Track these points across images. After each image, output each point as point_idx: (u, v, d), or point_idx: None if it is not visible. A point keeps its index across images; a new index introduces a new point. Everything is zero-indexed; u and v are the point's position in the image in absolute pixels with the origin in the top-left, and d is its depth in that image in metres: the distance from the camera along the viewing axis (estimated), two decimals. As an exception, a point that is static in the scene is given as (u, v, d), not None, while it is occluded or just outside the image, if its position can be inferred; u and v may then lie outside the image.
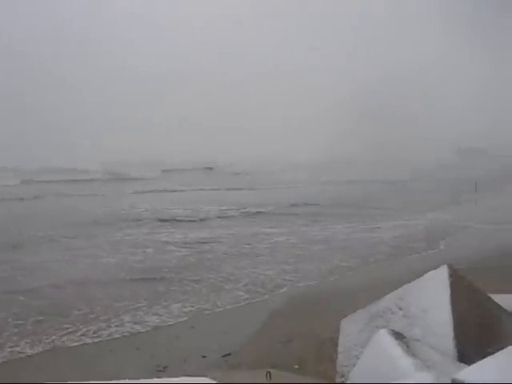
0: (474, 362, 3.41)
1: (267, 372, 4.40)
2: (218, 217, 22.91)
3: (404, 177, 45.65)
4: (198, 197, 33.61)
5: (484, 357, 3.37)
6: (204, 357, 7.02)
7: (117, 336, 8.19)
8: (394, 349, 4.02)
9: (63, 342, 7.96)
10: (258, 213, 24.05)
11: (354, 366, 4.36)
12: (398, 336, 4.21)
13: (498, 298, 5.19)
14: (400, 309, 4.67)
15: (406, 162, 62.87)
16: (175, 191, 38.72)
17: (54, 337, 8.11)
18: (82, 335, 8.19)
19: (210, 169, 66.98)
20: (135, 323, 8.72)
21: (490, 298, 4.85)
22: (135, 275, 11.99)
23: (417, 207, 25.11)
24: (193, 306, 9.66)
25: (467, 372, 3.05)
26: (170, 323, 8.83)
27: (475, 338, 4.31)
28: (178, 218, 22.23)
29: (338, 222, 20.42)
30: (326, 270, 12.37)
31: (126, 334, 8.30)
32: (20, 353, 7.53)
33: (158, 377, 5.83)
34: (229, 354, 6.99)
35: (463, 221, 19.89)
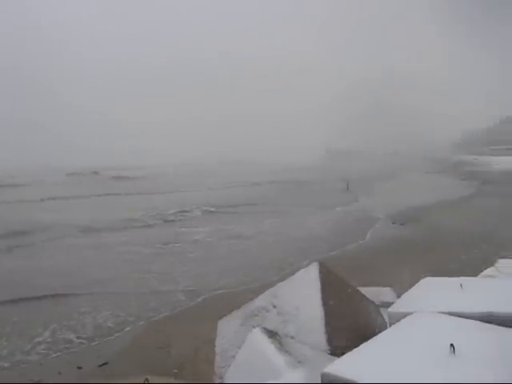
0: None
1: (145, 379, 4.29)
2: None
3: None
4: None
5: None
6: (80, 368, 6.68)
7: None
8: (268, 347, 4.08)
9: None
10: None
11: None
12: (272, 334, 4.28)
13: (366, 291, 5.51)
14: (274, 307, 4.77)
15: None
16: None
17: None
18: None
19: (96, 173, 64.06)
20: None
21: (358, 291, 5.12)
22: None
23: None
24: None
25: (336, 364, 3.16)
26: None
27: (346, 330, 4.52)
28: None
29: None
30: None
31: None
32: None
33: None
34: (106, 364, 6.71)
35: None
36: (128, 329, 8.37)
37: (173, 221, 22.63)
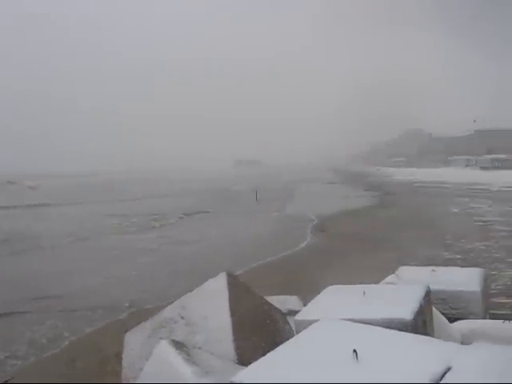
0: (253, 363, 3.60)
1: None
2: None
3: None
4: None
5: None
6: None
7: None
8: (175, 358, 4.05)
9: None
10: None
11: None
12: (179, 345, 4.25)
13: (273, 300, 5.59)
14: (182, 318, 4.74)
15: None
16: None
17: None
18: None
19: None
20: None
21: (266, 300, 5.18)
22: None
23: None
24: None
25: (244, 373, 3.19)
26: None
27: (254, 340, 4.56)
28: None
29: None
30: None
31: None
32: None
33: None
34: (10, 379, 6.39)
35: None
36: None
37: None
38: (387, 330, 3.57)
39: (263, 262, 13.93)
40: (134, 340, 4.83)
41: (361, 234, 18.71)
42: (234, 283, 4.86)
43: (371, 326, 3.65)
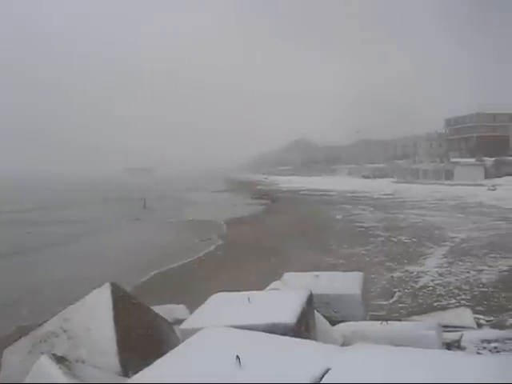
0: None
1: None
2: None
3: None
4: None
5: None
6: None
7: None
8: (55, 373, 3.91)
9: None
10: None
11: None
12: (60, 359, 4.11)
13: (160, 309, 5.53)
14: (64, 331, 4.56)
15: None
16: None
17: None
18: None
19: None
20: None
21: (151, 310, 5.12)
22: None
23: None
24: None
25: None
26: None
27: (139, 350, 4.48)
28: None
29: None
30: None
31: None
32: None
33: None
34: None
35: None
36: None
37: None
38: (270, 335, 3.65)
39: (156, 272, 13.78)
40: (12, 357, 4.60)
41: (248, 241, 18.98)
42: (118, 294, 4.76)
43: (255, 332, 3.71)
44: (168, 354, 3.54)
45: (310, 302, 4.82)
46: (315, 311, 5.36)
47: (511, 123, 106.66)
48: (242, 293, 4.99)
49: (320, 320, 5.37)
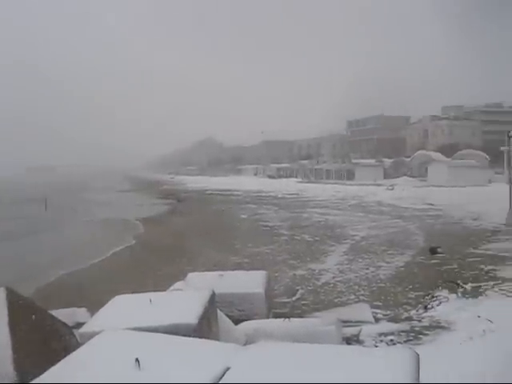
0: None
1: None
2: None
3: None
4: None
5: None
6: None
7: None
8: None
9: None
10: None
11: None
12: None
13: (60, 313, 5.35)
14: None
15: None
16: None
17: None
18: None
19: None
20: None
21: (50, 314, 4.95)
22: None
23: None
24: None
25: None
26: None
27: (36, 356, 4.32)
28: None
29: None
30: None
31: None
32: None
33: None
34: None
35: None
36: None
37: None
38: (170, 336, 3.64)
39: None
40: None
41: (152, 241, 18.78)
42: (14, 298, 4.57)
43: (155, 334, 3.69)
44: (66, 359, 3.45)
45: (213, 302, 4.85)
46: (218, 311, 5.39)
47: (408, 126, 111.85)
48: (143, 294, 4.94)
49: (223, 319, 5.40)
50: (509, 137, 18.01)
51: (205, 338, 4.10)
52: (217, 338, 4.71)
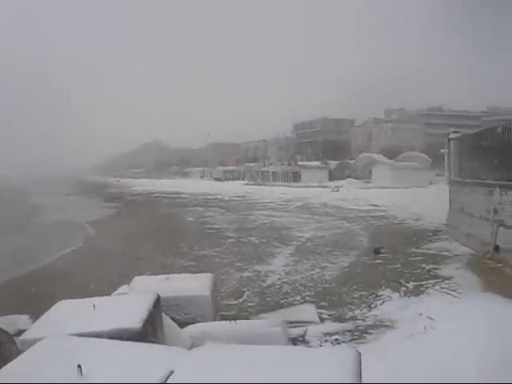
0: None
1: None
2: None
3: None
4: None
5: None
6: None
7: None
8: None
9: None
10: None
11: None
12: None
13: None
14: None
15: None
16: None
17: None
18: None
19: None
20: None
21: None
22: None
23: None
24: None
25: None
26: None
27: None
28: None
29: None
30: None
31: None
32: None
33: None
34: None
35: None
36: None
37: None
38: (114, 342, 3.59)
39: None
40: None
41: (97, 245, 18.47)
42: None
43: (98, 339, 3.64)
44: (5, 367, 3.36)
45: (158, 306, 4.81)
46: (164, 314, 5.36)
47: (353, 128, 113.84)
48: (87, 299, 4.86)
49: (168, 323, 5.38)
50: (448, 139, 18.49)
51: (150, 342, 4.08)
52: (162, 342, 4.68)
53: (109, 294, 6.37)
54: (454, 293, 9.54)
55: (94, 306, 4.53)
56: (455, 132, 18.74)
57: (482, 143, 15.01)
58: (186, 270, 12.11)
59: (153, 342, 4.22)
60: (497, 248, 12.27)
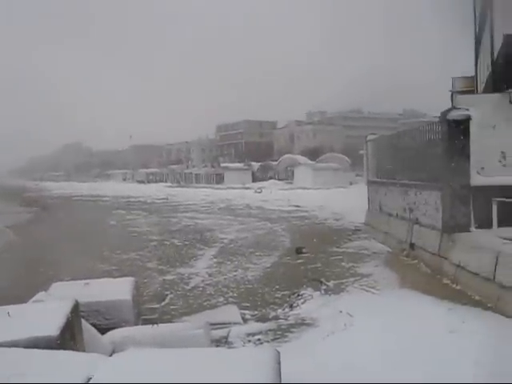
0: None
1: None
2: None
3: None
4: None
5: None
6: None
7: None
8: None
9: None
10: None
11: None
12: None
13: None
14: None
15: None
16: None
17: None
18: None
19: None
20: None
21: None
22: None
23: None
24: None
25: None
26: None
27: None
28: None
29: None
30: None
31: None
32: None
33: None
34: None
35: None
36: None
37: None
38: (31, 350, 3.51)
39: None
40: None
41: (13, 251, 17.83)
42: None
43: (14, 349, 3.54)
44: None
45: (77, 312, 4.72)
46: (83, 320, 5.26)
47: (275, 130, 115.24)
48: (1, 307, 4.70)
49: (88, 329, 5.28)
50: (366, 141, 19.10)
51: (68, 349, 3.99)
52: (82, 349, 4.60)
53: (25, 302, 6.17)
54: (372, 290, 9.86)
55: (8, 314, 4.38)
56: (372, 134, 19.40)
57: (397, 145, 15.59)
58: (107, 274, 11.89)
59: (71, 349, 4.13)
60: (412, 245, 12.75)
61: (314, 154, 75.79)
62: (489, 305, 8.07)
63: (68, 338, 4.19)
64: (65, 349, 3.89)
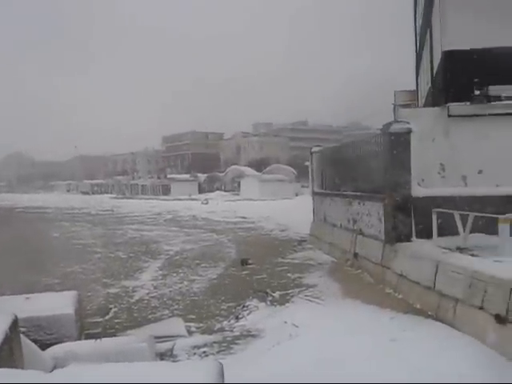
0: None
1: None
2: None
3: None
4: None
5: None
6: None
7: None
8: None
9: None
10: None
11: None
12: None
13: None
14: None
15: None
16: None
17: None
18: None
19: None
20: None
21: None
22: None
23: None
24: None
25: None
26: None
27: None
28: None
29: None
30: None
31: None
32: None
33: None
34: None
35: None
36: None
37: None
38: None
39: None
40: None
41: None
42: None
43: None
44: None
45: (15, 327, 4.61)
46: (23, 336, 5.14)
47: (222, 141, 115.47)
48: None
49: (27, 344, 5.16)
50: (311, 153, 19.37)
51: (6, 367, 3.89)
52: (21, 366, 4.49)
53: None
54: (317, 300, 9.98)
55: None
56: (317, 145, 19.69)
57: (341, 156, 15.87)
58: (50, 288, 11.62)
59: (10, 366, 4.02)
60: (356, 255, 12.97)
61: (260, 165, 76.32)
62: (429, 313, 8.29)
63: (5, 354, 4.08)
64: (2, 366, 3.79)
